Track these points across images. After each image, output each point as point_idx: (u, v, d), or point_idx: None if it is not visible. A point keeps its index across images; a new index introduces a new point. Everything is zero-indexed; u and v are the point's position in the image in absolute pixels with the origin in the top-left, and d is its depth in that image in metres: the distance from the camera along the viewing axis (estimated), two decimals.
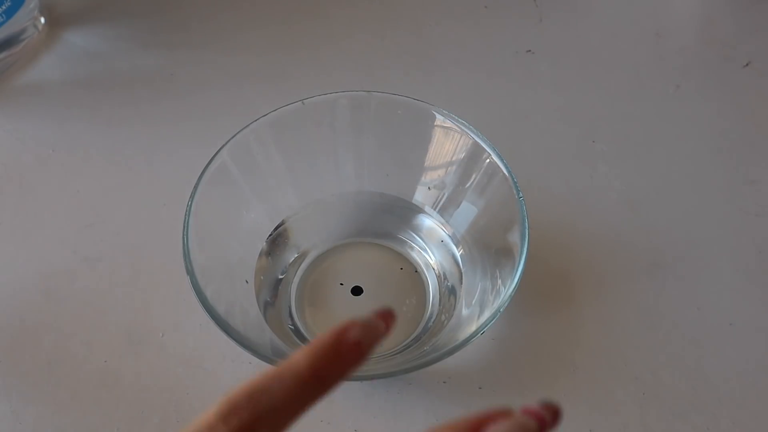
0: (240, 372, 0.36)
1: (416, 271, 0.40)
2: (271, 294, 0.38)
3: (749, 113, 0.48)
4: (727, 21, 0.54)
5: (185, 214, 0.33)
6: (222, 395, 0.16)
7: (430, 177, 0.40)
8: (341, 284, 0.39)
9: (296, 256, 0.40)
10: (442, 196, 0.39)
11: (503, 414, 0.19)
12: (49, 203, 0.43)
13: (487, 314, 0.32)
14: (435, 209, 0.40)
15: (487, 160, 0.36)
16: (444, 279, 0.39)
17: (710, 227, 0.42)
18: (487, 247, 0.37)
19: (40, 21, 0.52)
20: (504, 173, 0.35)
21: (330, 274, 0.40)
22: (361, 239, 0.41)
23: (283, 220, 0.40)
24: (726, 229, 0.42)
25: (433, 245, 0.40)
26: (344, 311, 0.38)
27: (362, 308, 0.38)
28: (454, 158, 0.38)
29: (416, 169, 0.40)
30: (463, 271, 0.38)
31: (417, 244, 0.40)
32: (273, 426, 0.16)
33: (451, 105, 0.38)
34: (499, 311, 0.31)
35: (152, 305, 0.39)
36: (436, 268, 0.39)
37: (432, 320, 0.37)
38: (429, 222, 0.40)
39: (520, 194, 0.34)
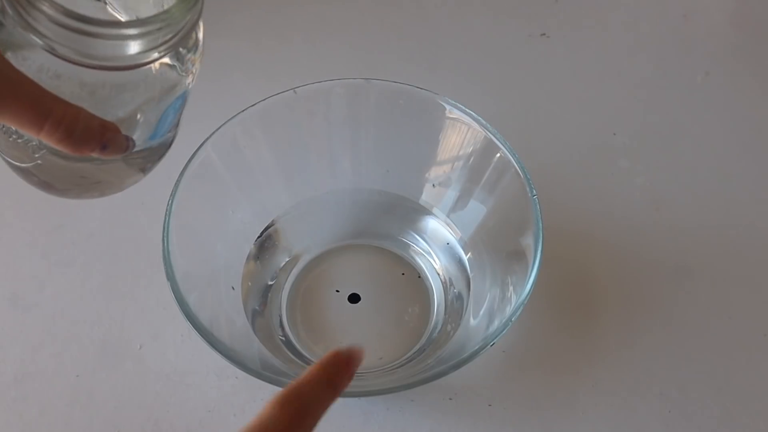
0: (225, 387, 0.36)
1: (419, 277, 0.40)
2: (260, 302, 0.38)
3: None
4: (761, 1, 0.54)
5: (165, 214, 0.33)
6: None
7: (434, 173, 0.40)
8: (337, 291, 0.39)
9: (287, 260, 0.40)
10: (448, 194, 0.39)
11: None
12: (15, 202, 0.43)
13: (497, 324, 0.32)
14: (440, 209, 0.40)
15: (498, 155, 0.36)
16: (450, 285, 0.39)
17: (743, 228, 0.42)
18: (497, 250, 0.37)
19: None
20: (516, 169, 0.35)
21: (324, 280, 0.40)
22: (359, 241, 0.41)
23: (272, 221, 0.40)
24: (761, 230, 0.42)
25: (438, 248, 0.40)
26: (341, 321, 0.38)
27: (360, 317, 0.39)
28: (461, 153, 0.38)
29: (419, 164, 0.40)
30: (470, 276, 0.38)
31: (420, 247, 0.40)
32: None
33: (457, 94, 0.38)
34: (511, 321, 0.31)
35: (129, 314, 0.39)
36: (441, 274, 0.40)
37: (437, 331, 0.38)
38: (433, 223, 0.40)
39: (534, 192, 0.34)
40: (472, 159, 0.38)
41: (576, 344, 0.38)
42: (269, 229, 0.40)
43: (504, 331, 0.31)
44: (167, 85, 0.26)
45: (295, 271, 0.40)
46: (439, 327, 0.38)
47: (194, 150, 0.35)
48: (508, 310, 0.32)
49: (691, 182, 0.44)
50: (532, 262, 0.33)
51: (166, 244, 0.33)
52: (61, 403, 0.36)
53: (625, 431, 0.35)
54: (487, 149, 0.37)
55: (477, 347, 0.31)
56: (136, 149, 0.27)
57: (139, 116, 0.26)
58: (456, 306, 0.38)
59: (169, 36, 0.24)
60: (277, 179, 0.39)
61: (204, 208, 0.36)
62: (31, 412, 0.36)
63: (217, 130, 0.36)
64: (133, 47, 0.23)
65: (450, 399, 0.36)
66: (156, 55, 0.24)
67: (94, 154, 0.24)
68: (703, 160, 0.45)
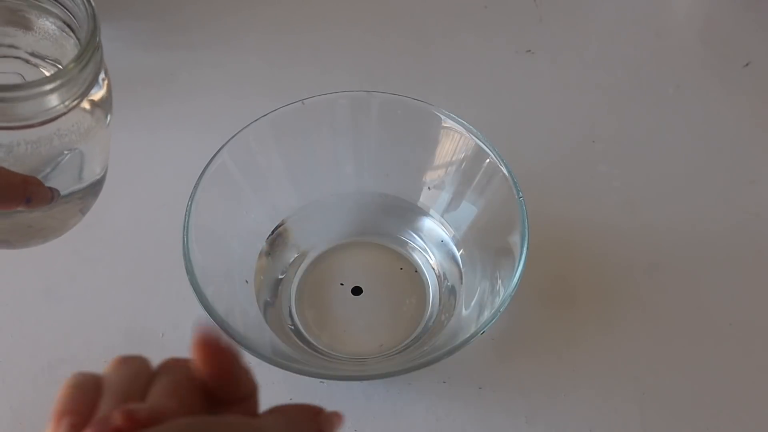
0: None
1: (416, 271, 0.40)
2: (271, 294, 0.38)
3: (749, 113, 0.48)
4: (727, 21, 0.54)
5: (185, 214, 0.33)
6: None
7: (430, 177, 0.40)
8: (341, 284, 0.39)
9: (296, 256, 0.40)
10: (443, 196, 0.39)
11: None
12: None
13: (486, 314, 0.32)
14: (435, 209, 0.40)
15: (487, 160, 0.36)
16: (444, 279, 0.39)
17: (710, 227, 0.42)
18: (487, 247, 0.37)
19: None
20: (504, 173, 0.35)
21: (330, 274, 0.40)
22: (361, 239, 0.41)
23: (283, 220, 0.40)
24: (726, 229, 0.42)
25: (433, 245, 0.40)
26: (344, 311, 0.38)
27: (362, 308, 0.38)
28: (454, 158, 0.38)
29: (416, 169, 0.40)
30: (463, 271, 0.38)
31: (417, 245, 0.40)
32: None
33: (451, 105, 0.38)
34: (499, 311, 0.31)
35: (152, 305, 0.39)
36: (436, 269, 0.39)
37: (432, 320, 0.37)
38: (429, 222, 0.40)
39: (520, 194, 0.34)
40: (464, 164, 0.38)
41: (558, 332, 0.38)
42: (279, 228, 0.40)
43: (493, 321, 0.31)
44: (82, 131, 0.26)
45: (303, 266, 0.40)
46: (434, 317, 0.38)
47: (211, 156, 0.35)
48: (497, 301, 0.32)
49: (662, 185, 0.44)
50: (519, 257, 0.32)
51: (185, 241, 0.33)
52: None
53: (603, 411, 0.35)
54: (477, 155, 0.37)
55: (468, 335, 0.31)
56: (69, 192, 0.26)
57: (60, 165, 0.26)
58: (449, 298, 0.38)
59: (73, 90, 0.23)
60: (287, 182, 0.39)
61: (220, 209, 0.36)
62: None
63: (233, 137, 0.36)
64: (39, 105, 0.23)
65: (444, 382, 0.36)
66: (63, 109, 0.23)
67: (20, 208, 0.24)
68: (674, 165, 0.45)
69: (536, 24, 0.54)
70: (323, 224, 0.41)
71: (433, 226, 0.40)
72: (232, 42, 0.52)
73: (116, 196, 0.43)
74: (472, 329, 0.31)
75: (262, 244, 0.39)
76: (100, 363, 0.38)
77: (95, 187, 0.29)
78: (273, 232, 0.39)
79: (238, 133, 0.36)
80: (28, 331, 0.38)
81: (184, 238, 0.33)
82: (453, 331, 0.35)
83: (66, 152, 0.26)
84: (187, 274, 0.32)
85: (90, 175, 0.28)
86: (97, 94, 0.26)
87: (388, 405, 0.36)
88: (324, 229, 0.41)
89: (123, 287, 0.40)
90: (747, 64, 0.51)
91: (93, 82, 0.25)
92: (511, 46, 0.52)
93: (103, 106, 0.26)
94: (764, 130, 0.47)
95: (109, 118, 0.27)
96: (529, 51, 0.52)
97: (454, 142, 0.38)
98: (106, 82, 0.26)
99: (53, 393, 0.37)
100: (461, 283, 0.38)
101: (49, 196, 0.25)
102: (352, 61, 0.51)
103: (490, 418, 0.35)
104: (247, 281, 0.37)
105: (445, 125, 0.37)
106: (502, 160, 0.35)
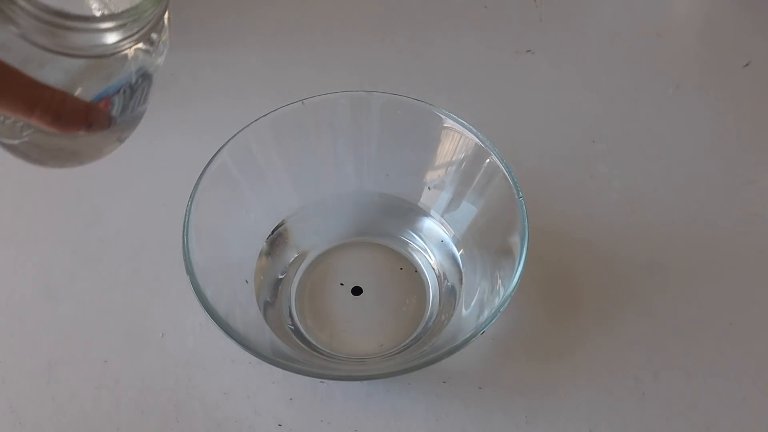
0: (240, 372, 0.36)
1: (416, 271, 0.39)
2: (271, 294, 0.38)
3: (749, 113, 0.48)
4: (727, 21, 0.54)
5: (185, 214, 0.33)
6: None
7: (430, 177, 0.40)
8: (341, 284, 0.39)
9: (296, 256, 0.40)
10: (443, 196, 0.39)
11: None
12: (50, 204, 0.43)
13: (486, 314, 0.32)
14: (435, 209, 0.40)
15: (487, 160, 0.36)
16: (444, 279, 0.39)
17: (710, 227, 0.42)
18: (487, 247, 0.37)
19: None
20: (504, 173, 0.35)
21: (330, 274, 0.39)
22: (361, 239, 0.41)
23: (282, 220, 0.40)
24: (726, 229, 0.42)
25: (433, 245, 0.40)
26: (344, 311, 0.38)
27: (362, 308, 0.38)
28: (454, 158, 0.38)
29: (416, 169, 0.40)
30: (463, 271, 0.38)
31: (417, 245, 0.40)
32: None
33: (451, 105, 0.38)
34: (499, 311, 0.31)
35: (152, 305, 0.39)
36: (436, 269, 0.39)
37: (432, 320, 0.37)
38: (429, 222, 0.40)
39: (520, 194, 0.34)
40: (464, 164, 0.38)
41: (558, 333, 0.38)
42: (279, 228, 0.40)
43: (493, 321, 0.31)
44: (141, 65, 0.27)
45: (303, 266, 0.40)
46: (434, 317, 0.38)
47: (212, 156, 0.35)
48: (497, 301, 0.32)
49: (662, 185, 0.44)
50: (519, 258, 0.32)
51: (185, 241, 0.32)
52: (90, 387, 0.36)
53: (603, 412, 0.35)
54: (477, 155, 0.37)
55: (468, 335, 0.31)
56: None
57: (117, 95, 0.27)
58: (449, 298, 0.38)
59: (140, 27, 0.25)
60: (287, 182, 0.39)
61: (220, 209, 0.36)
62: (63, 395, 0.36)
63: (233, 137, 0.36)
64: (109, 38, 0.24)
65: (444, 382, 0.36)
66: (130, 43, 0.25)
67: (81, 132, 0.25)
68: (674, 165, 0.45)
69: (536, 24, 0.53)
70: (323, 224, 0.41)
71: (433, 226, 0.40)
72: (232, 42, 0.52)
73: (116, 195, 0.44)
74: (472, 329, 0.31)
75: (262, 244, 0.39)
76: (99, 363, 0.39)
77: (137, 118, 0.30)
78: (273, 232, 0.39)
79: (238, 133, 0.36)
80: (28, 331, 0.38)
81: (184, 238, 0.33)
82: (453, 332, 0.35)
83: (121, 83, 0.27)
84: (187, 274, 0.32)
85: (136, 106, 0.29)
86: (159, 30, 0.27)
87: (388, 405, 0.36)
88: (324, 229, 0.41)
89: (123, 287, 0.40)
90: (747, 64, 0.51)
91: (160, 21, 0.26)
92: (511, 46, 0.52)
93: (162, 44, 0.28)
94: (764, 130, 0.47)
95: (164, 56, 0.29)
96: (529, 51, 0.52)
97: (455, 142, 0.37)
98: (168, 20, 0.28)
99: (53, 393, 0.38)
100: (461, 283, 0.38)
101: (108, 123, 0.26)
102: (352, 61, 0.51)
103: (490, 418, 0.35)
104: (247, 281, 0.37)
105: (446, 125, 0.37)
106: (502, 160, 0.35)
